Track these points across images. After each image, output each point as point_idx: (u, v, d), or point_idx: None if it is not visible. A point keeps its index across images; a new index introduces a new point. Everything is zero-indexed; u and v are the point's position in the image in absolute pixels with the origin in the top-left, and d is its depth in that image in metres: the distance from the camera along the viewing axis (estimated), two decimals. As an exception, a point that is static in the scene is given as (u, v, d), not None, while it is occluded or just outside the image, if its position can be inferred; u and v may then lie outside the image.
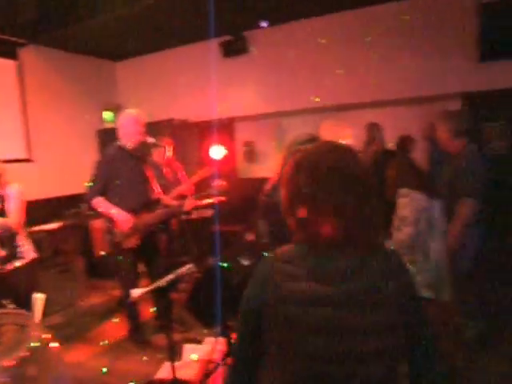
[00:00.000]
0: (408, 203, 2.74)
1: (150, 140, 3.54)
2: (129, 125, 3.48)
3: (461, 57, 5.05)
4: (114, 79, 7.61)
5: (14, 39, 5.89)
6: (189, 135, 6.63)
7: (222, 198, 4.11)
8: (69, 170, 6.60)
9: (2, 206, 2.91)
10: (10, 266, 3.00)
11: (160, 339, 3.74)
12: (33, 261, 3.19)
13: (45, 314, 4.48)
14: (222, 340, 2.97)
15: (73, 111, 6.80)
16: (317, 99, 5.57)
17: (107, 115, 7.32)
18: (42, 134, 6.33)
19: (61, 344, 3.77)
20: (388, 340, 1.10)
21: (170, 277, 2.29)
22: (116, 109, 7.48)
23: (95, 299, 5.14)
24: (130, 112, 3.62)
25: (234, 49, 6.23)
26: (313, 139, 2.16)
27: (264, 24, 5.96)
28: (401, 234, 2.77)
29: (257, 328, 1.18)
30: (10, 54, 5.92)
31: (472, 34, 4.92)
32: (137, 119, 3.50)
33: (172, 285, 2.36)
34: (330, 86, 5.57)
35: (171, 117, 6.55)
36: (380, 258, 1.15)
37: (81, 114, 6.92)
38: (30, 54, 6.17)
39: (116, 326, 4.16)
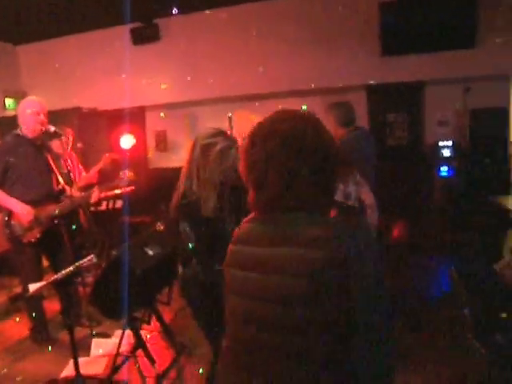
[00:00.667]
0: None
1: (52, 129, 3.37)
2: (29, 112, 3.28)
3: (364, 51, 5.37)
4: (15, 64, 7.07)
5: None
6: (98, 124, 6.39)
7: (131, 188, 4.03)
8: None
9: None
10: None
11: (67, 336, 3.63)
12: None
13: None
14: (129, 332, 2.95)
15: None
16: (217, 87, 5.63)
17: (9, 102, 6.82)
18: None
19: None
20: (312, 312, 1.05)
21: (70, 269, 2.23)
22: (19, 96, 6.99)
23: (-1, 298, 4.81)
24: (31, 99, 3.42)
25: (145, 36, 6.09)
26: (219, 133, 2.16)
27: (175, 10, 5.88)
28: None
29: None
30: None
31: (375, 29, 5.25)
32: (38, 107, 3.31)
33: (72, 277, 2.30)
34: (241, 76, 5.66)
35: (79, 105, 6.27)
36: (320, 227, 1.10)
37: (-23, 102, 6.38)
38: None
39: (17, 326, 3.95)
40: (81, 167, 4.26)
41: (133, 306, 2.62)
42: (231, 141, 2.13)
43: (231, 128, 6.52)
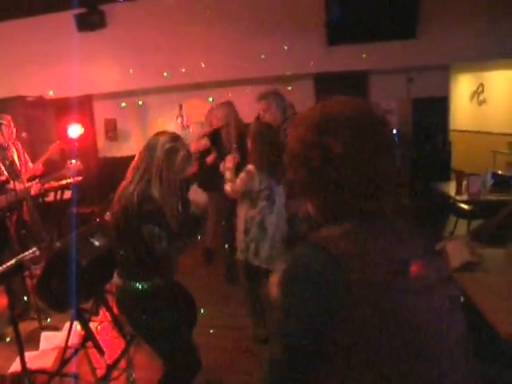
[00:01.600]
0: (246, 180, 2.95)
1: None
2: None
3: (311, 40, 5.48)
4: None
5: None
6: (44, 113, 6.19)
7: (78, 179, 3.96)
8: None
9: None
10: None
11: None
12: None
13: None
14: (77, 324, 2.93)
15: None
16: (166, 75, 5.59)
17: None
18: None
19: None
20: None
21: (11, 262, 2.19)
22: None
23: None
24: None
25: (90, 23, 5.92)
26: (178, 137, 2.14)
27: (121, -3, 5.76)
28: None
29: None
30: None
31: (321, 19, 5.35)
32: None
33: (15, 271, 2.26)
34: (188, 65, 5.63)
35: (23, 94, 6.04)
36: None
37: None
38: None
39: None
40: (27, 157, 4.13)
41: (80, 297, 2.60)
42: (187, 146, 2.13)
43: (182, 116, 6.52)
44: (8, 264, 2.20)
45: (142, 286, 2.08)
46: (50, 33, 6.02)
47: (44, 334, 3.43)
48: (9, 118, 3.59)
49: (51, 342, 3.38)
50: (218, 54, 5.62)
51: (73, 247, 2.49)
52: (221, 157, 3.69)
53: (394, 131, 5.62)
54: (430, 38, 5.16)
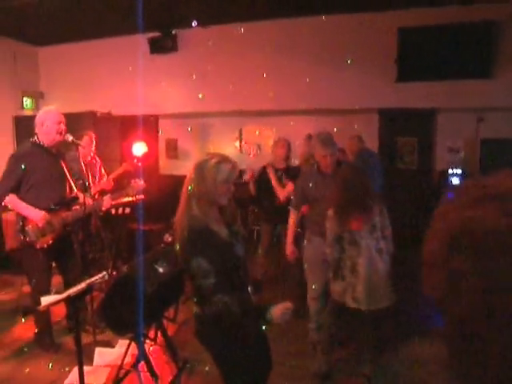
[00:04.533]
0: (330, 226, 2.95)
1: (70, 138, 3.43)
2: (48, 123, 3.34)
3: (380, 75, 5.43)
4: (35, 65, 7.18)
5: None
6: (111, 129, 6.47)
7: (141, 197, 4.07)
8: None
9: None
10: None
11: (71, 342, 3.67)
12: None
13: None
14: (134, 345, 2.99)
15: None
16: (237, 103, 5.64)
17: (27, 102, 6.93)
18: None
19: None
20: None
21: (82, 286, 2.27)
22: (37, 96, 7.11)
23: (5, 296, 4.88)
24: (51, 110, 3.47)
25: (162, 46, 6.17)
26: (216, 154, 2.11)
27: (194, 23, 5.96)
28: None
29: None
30: None
31: (392, 54, 5.30)
32: (58, 117, 3.37)
33: (83, 294, 2.34)
34: (253, 92, 5.72)
35: (94, 109, 6.36)
36: None
37: (-2, 99, 6.50)
38: None
39: (23, 327, 4.00)
40: (103, 172, 4.31)
41: (141, 322, 2.65)
42: (226, 157, 2.09)
43: (241, 140, 6.64)
44: (79, 287, 2.29)
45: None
46: (124, 54, 6.33)
47: (98, 350, 3.51)
48: (91, 133, 3.78)
49: (104, 358, 3.46)
50: (284, 83, 5.69)
51: (139, 273, 2.55)
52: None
53: (459, 171, 5.43)
54: (505, 78, 4.97)
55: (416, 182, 5.64)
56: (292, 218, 3.47)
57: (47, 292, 3.41)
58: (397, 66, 5.23)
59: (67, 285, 3.63)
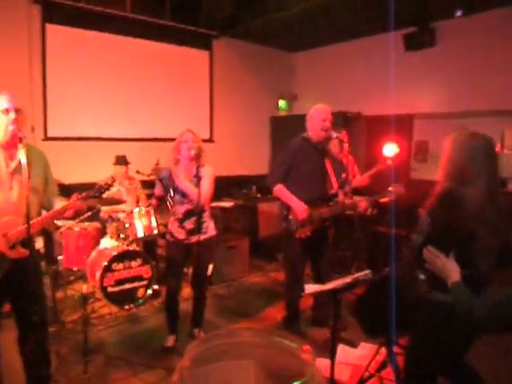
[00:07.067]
0: None
1: (334, 135, 3.53)
2: (315, 120, 3.52)
3: None
4: (291, 70, 7.84)
5: (210, 32, 6.49)
6: (360, 129, 6.50)
7: (391, 200, 3.89)
8: (242, 153, 7.10)
9: (198, 184, 3.19)
10: (194, 239, 3.33)
11: (313, 332, 3.81)
12: (213, 237, 3.50)
13: (211, 283, 4.97)
14: (383, 351, 2.87)
15: (251, 98, 7.25)
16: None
17: (282, 104, 7.61)
18: (223, 117, 6.89)
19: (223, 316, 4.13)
20: None
21: (347, 280, 2.26)
22: (291, 98, 7.74)
23: (255, 278, 5.45)
24: (320, 107, 3.63)
25: (419, 41, 5.82)
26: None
27: (459, 13, 5.44)
28: None
29: None
30: (206, 45, 6.56)
31: None
32: (324, 114, 3.52)
33: (347, 288, 2.33)
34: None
35: (344, 109, 6.49)
36: None
37: (258, 101, 7.34)
38: (220, 45, 6.74)
39: (274, 309, 4.35)
40: (356, 170, 4.37)
41: (395, 330, 2.51)
42: None
43: (502, 144, 5.74)
44: (345, 281, 2.28)
45: None
46: (376, 53, 6.28)
47: (341, 347, 3.52)
48: (344, 133, 3.83)
49: (346, 356, 3.44)
50: None
51: (399, 278, 2.40)
52: None
53: None
54: None
55: None
56: None
57: (300, 280, 3.62)
58: None
59: (316, 277, 3.79)
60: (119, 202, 4.03)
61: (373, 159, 5.44)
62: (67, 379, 3.03)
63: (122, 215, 4.25)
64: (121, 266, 3.67)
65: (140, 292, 3.74)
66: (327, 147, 3.73)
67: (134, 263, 3.74)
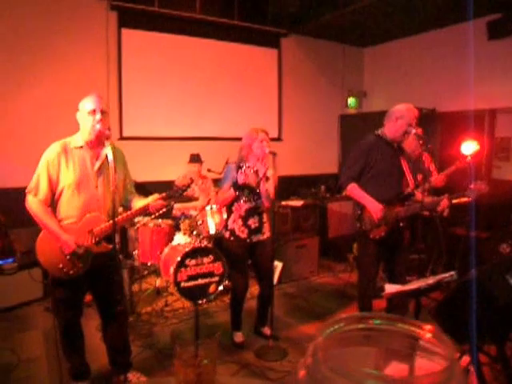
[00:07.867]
0: None
1: (412, 131, 3.34)
2: (407, 121, 3.26)
3: None
4: (360, 66, 7.64)
5: (278, 30, 6.49)
6: (435, 126, 6.19)
7: (469, 200, 3.62)
8: (310, 152, 7.02)
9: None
10: (254, 238, 3.43)
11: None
12: (269, 238, 3.53)
13: (281, 281, 4.97)
14: (465, 359, 2.69)
15: (319, 95, 7.14)
16: None
17: (351, 101, 7.42)
18: (292, 116, 6.85)
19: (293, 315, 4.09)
20: None
21: (430, 281, 2.15)
22: (360, 95, 7.54)
23: (324, 278, 5.38)
24: (413, 108, 3.38)
25: (503, 29, 5.38)
26: None
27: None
28: None
29: None
30: (274, 43, 6.57)
31: None
32: (415, 119, 3.34)
33: (431, 289, 2.21)
34: None
35: (417, 106, 6.20)
36: None
37: (326, 99, 7.22)
38: (288, 43, 6.70)
39: (344, 310, 4.26)
40: (432, 168, 4.17)
41: (482, 336, 2.34)
42: None
43: None
44: (429, 281, 2.17)
45: None
46: (454, 44, 5.95)
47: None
48: (420, 129, 3.64)
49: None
50: None
51: (487, 282, 2.24)
52: None
53: None
54: None
55: None
56: None
57: (373, 281, 3.49)
58: None
59: (389, 279, 3.63)
60: (192, 199, 4.14)
61: (448, 158, 5.15)
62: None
63: (193, 212, 4.36)
64: (193, 261, 3.75)
65: (211, 288, 3.81)
66: (402, 145, 3.55)
67: (206, 259, 3.81)
